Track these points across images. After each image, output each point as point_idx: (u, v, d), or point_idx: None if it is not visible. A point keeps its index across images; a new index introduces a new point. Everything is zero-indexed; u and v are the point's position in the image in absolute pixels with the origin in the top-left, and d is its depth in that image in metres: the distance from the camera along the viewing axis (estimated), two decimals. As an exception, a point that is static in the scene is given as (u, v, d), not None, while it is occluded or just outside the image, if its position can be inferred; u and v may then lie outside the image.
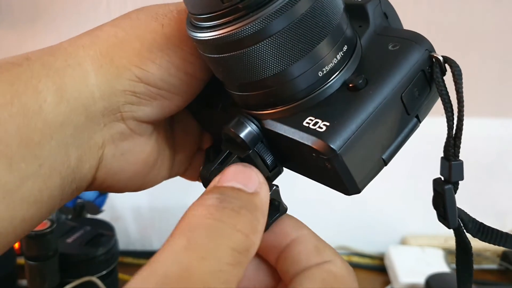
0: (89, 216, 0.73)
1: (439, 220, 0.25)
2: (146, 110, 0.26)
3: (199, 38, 0.23)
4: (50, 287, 0.59)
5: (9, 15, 0.69)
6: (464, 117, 0.24)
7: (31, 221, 0.24)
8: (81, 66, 0.24)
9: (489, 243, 0.26)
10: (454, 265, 0.83)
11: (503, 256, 0.76)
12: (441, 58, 0.23)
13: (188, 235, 0.19)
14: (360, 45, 0.25)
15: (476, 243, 0.89)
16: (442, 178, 0.24)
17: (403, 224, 0.80)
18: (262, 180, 0.23)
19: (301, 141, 0.22)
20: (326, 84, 0.23)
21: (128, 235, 0.77)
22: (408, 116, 0.24)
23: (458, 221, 0.25)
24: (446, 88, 0.23)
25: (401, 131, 0.24)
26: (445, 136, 0.24)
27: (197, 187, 0.28)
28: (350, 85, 0.23)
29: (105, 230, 0.67)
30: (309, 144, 0.22)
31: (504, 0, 0.71)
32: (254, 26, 0.21)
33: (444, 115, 0.24)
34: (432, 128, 0.78)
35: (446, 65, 0.24)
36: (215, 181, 0.23)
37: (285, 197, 0.27)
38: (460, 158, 0.25)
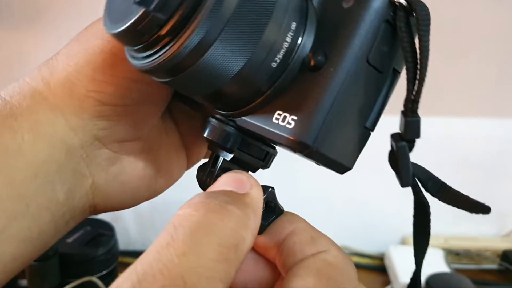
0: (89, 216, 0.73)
1: (396, 178, 0.23)
2: (122, 130, 0.26)
3: (138, 68, 0.22)
4: (50, 287, 0.59)
5: (9, 15, 0.69)
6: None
7: (22, 259, 0.24)
8: (47, 101, 0.24)
9: (448, 204, 0.24)
10: (454, 266, 0.84)
11: (503, 256, 0.76)
12: (404, 2, 0.21)
13: (172, 232, 0.19)
14: (314, 9, 0.23)
15: (476, 243, 0.89)
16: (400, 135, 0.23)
17: (403, 224, 0.80)
18: (253, 182, 0.22)
19: (275, 140, 0.22)
20: (285, 71, 0.22)
21: (128, 235, 0.77)
22: (381, 74, 0.22)
23: (416, 180, 0.23)
24: (409, 34, 0.21)
25: (379, 93, 0.23)
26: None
27: (198, 187, 0.28)
28: (311, 64, 0.21)
29: (105, 230, 0.67)
30: (283, 143, 0.21)
31: (504, 0, 0.70)
32: (188, 45, 0.19)
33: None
34: (432, 128, 0.78)
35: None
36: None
37: (284, 197, 0.27)
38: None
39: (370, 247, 0.81)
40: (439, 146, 0.75)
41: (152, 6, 0.19)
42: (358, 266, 0.76)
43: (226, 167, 0.25)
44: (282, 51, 0.21)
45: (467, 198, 0.24)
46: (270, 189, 0.24)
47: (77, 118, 0.25)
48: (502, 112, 0.76)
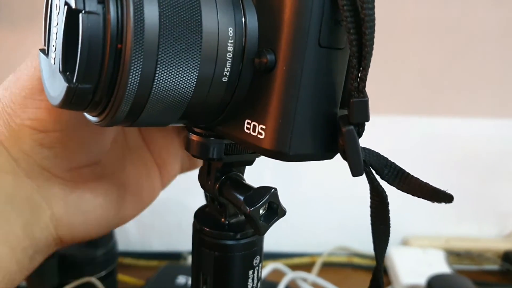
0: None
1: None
2: (68, 157, 0.25)
3: (97, 125, 0.21)
4: (49, 288, 0.59)
5: (8, 15, 0.69)
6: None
7: None
8: None
9: (408, 193, 0.22)
10: (455, 266, 0.83)
11: (505, 257, 0.76)
12: None
13: None
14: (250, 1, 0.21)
15: (477, 244, 0.88)
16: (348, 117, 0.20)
17: (404, 225, 0.80)
18: None
19: (251, 149, 0.21)
20: (239, 79, 0.21)
21: (128, 236, 0.77)
22: (342, 50, 0.20)
23: (369, 168, 0.21)
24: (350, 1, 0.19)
25: (346, 69, 0.21)
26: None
27: (197, 188, 0.28)
28: (262, 66, 0.20)
29: (105, 231, 0.67)
30: (260, 153, 0.21)
31: (506, 0, 0.70)
32: (128, 99, 0.19)
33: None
34: (432, 128, 0.78)
35: None
36: None
37: (286, 198, 0.27)
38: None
39: (371, 248, 0.81)
40: (441, 146, 0.74)
41: (74, 80, 0.18)
42: (359, 267, 0.76)
43: (221, 172, 0.26)
44: (228, 63, 0.20)
45: (427, 186, 0.21)
46: (272, 190, 0.24)
47: (17, 149, 0.24)
48: (504, 113, 0.76)
